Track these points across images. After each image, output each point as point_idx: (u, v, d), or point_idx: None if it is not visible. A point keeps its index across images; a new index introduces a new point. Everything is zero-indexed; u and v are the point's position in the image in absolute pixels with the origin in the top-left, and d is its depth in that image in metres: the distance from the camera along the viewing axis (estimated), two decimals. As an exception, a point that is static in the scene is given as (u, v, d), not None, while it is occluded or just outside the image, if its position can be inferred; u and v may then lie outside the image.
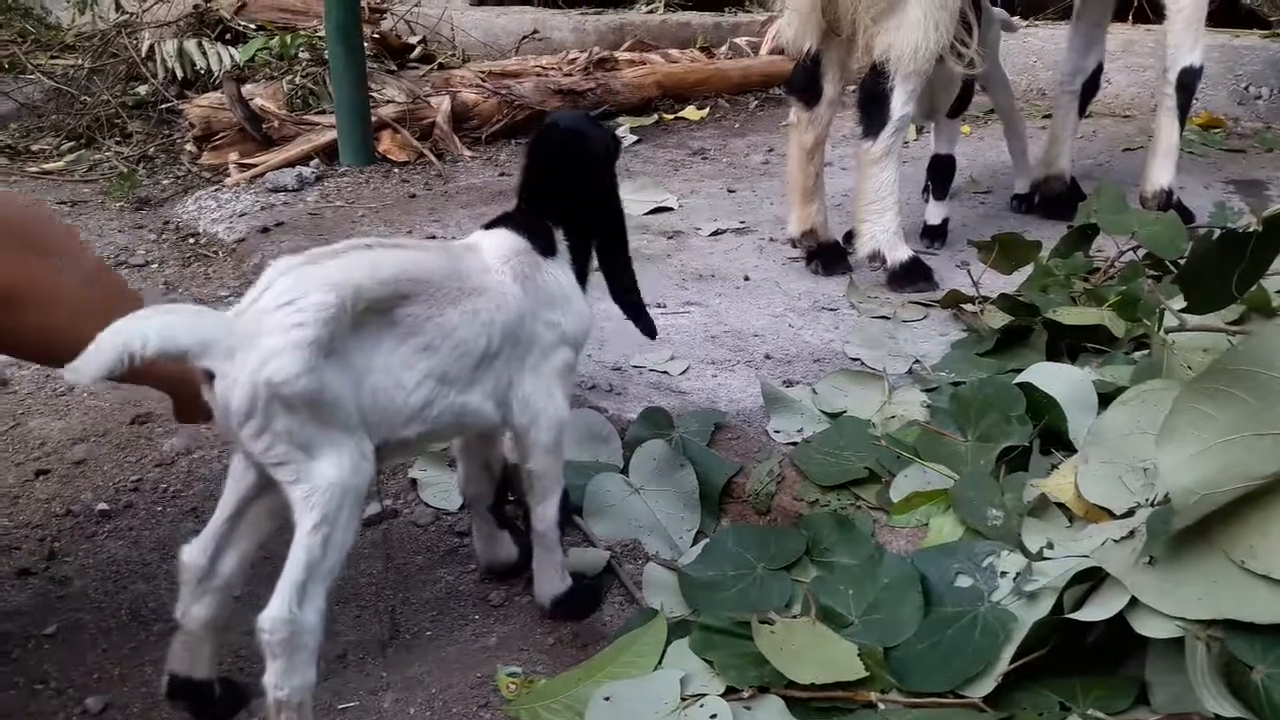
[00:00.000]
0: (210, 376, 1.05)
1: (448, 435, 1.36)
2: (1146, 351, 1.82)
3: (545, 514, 1.36)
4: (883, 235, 2.40)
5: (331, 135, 3.58)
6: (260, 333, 1.04)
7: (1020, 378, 1.69)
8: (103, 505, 1.70)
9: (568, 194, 1.38)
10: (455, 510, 1.69)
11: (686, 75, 4.75)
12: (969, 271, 2.30)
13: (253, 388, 1.02)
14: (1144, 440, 1.36)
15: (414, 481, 1.75)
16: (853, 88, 2.54)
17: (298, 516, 1.07)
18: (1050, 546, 1.27)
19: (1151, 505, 1.20)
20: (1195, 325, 1.50)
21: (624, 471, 1.69)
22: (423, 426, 1.19)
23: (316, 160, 3.54)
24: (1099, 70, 2.99)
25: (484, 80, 4.14)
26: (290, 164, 3.48)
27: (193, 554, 1.16)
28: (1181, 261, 2.11)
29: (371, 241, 1.20)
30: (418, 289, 1.18)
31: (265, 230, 2.91)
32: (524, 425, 1.31)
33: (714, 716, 1.17)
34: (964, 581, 1.30)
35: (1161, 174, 2.76)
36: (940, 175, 2.78)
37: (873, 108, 2.31)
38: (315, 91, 3.82)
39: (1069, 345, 1.95)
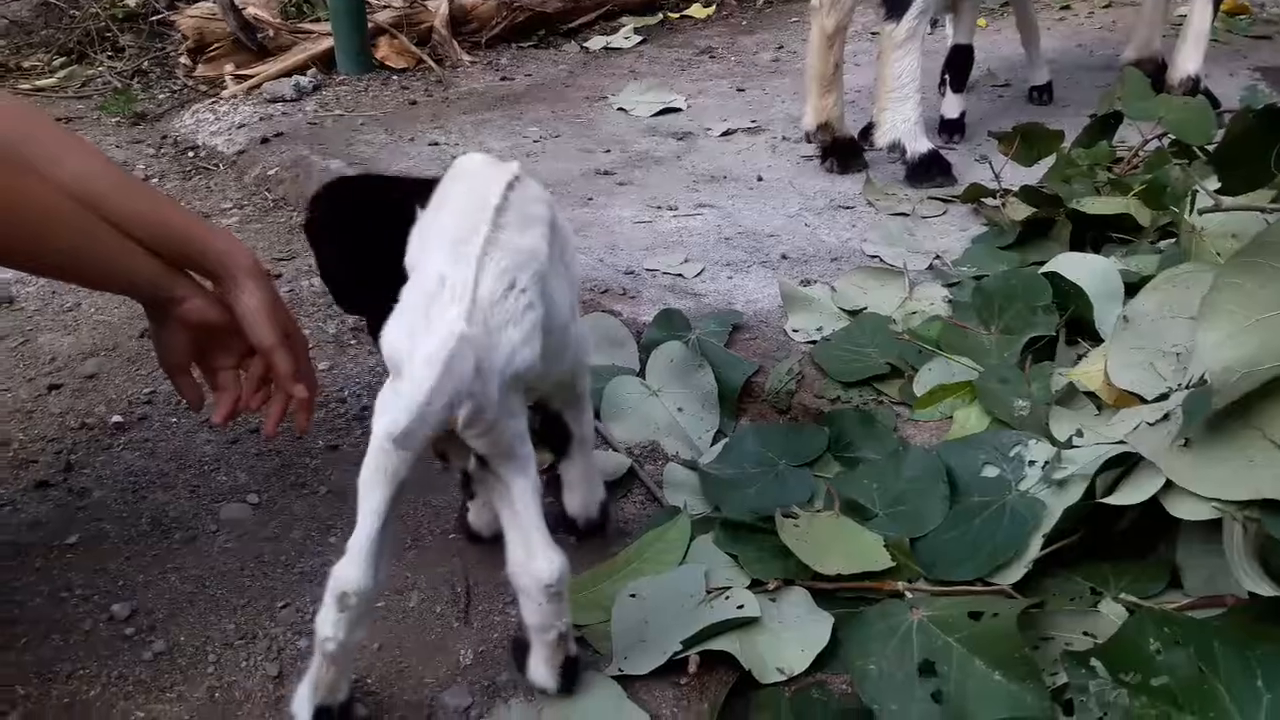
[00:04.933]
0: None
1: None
2: (1174, 240, 1.77)
3: (589, 418, 1.31)
4: (903, 125, 2.33)
5: (328, 43, 3.48)
6: (496, 329, 0.93)
7: (1045, 268, 1.65)
8: (117, 418, 1.68)
9: None
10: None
11: (691, -28, 4.59)
12: (990, 164, 2.24)
13: (501, 387, 0.93)
14: (1175, 324, 1.33)
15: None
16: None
17: (515, 476, 1.00)
18: (1080, 434, 1.25)
19: (1186, 389, 1.17)
20: (1230, 205, 1.45)
21: (640, 374, 1.67)
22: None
23: (314, 69, 3.44)
24: None
25: (482, -18, 4.00)
26: (287, 74, 3.39)
27: (357, 576, 0.99)
28: (1210, 148, 2.05)
29: (507, 177, 1.03)
30: (553, 220, 1.07)
31: (265, 141, 2.85)
32: (575, 349, 1.20)
33: (741, 607, 1.16)
34: (990, 472, 1.28)
35: (1189, 61, 2.67)
36: (958, 67, 2.69)
37: (897, -12, 2.21)
38: (309, -2, 3.71)
39: (1093, 237, 1.90)
